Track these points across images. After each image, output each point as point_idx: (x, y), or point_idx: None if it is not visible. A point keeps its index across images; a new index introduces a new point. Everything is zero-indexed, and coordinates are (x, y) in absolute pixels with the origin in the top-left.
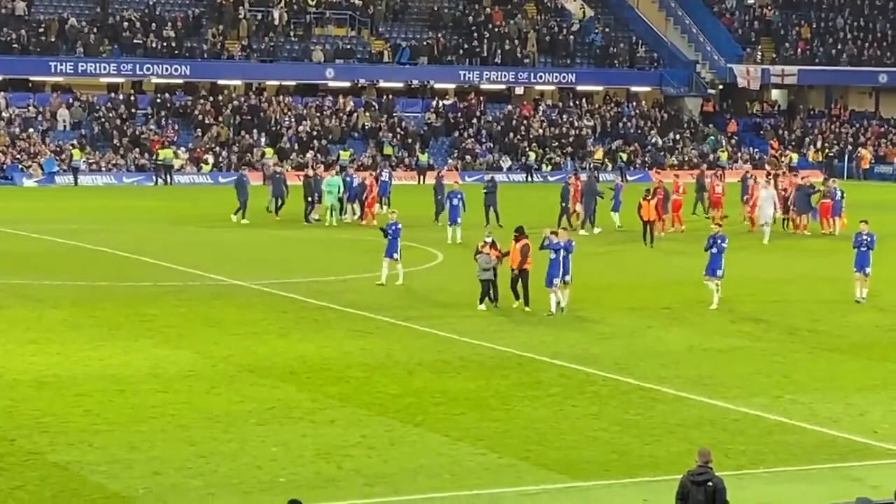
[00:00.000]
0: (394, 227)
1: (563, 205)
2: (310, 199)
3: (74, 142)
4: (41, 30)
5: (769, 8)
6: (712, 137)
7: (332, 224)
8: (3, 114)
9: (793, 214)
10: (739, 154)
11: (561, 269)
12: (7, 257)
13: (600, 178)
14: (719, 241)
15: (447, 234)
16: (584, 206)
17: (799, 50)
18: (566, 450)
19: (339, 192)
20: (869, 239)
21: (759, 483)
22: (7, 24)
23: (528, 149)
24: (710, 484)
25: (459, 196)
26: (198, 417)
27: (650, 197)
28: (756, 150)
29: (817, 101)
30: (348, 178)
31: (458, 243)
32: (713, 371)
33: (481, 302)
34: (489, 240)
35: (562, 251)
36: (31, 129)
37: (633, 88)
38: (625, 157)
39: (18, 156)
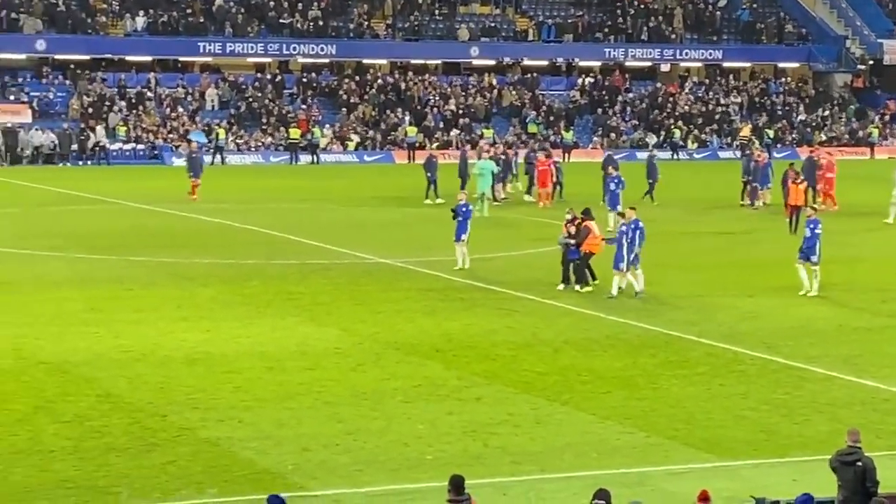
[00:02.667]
0: (464, 209)
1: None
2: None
3: (219, 121)
4: (189, 11)
5: None
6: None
7: (485, 215)
8: (153, 94)
9: None
10: (889, 131)
11: (625, 252)
12: (158, 236)
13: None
14: (812, 226)
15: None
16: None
17: None
18: (714, 429)
19: (492, 176)
20: None
21: None
22: (157, 6)
23: (673, 126)
24: (859, 464)
25: (617, 180)
26: (345, 394)
27: (799, 180)
28: None
29: None
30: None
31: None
32: (863, 350)
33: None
34: (569, 216)
35: (625, 235)
36: (180, 109)
37: (781, 64)
38: (772, 133)
39: (168, 135)
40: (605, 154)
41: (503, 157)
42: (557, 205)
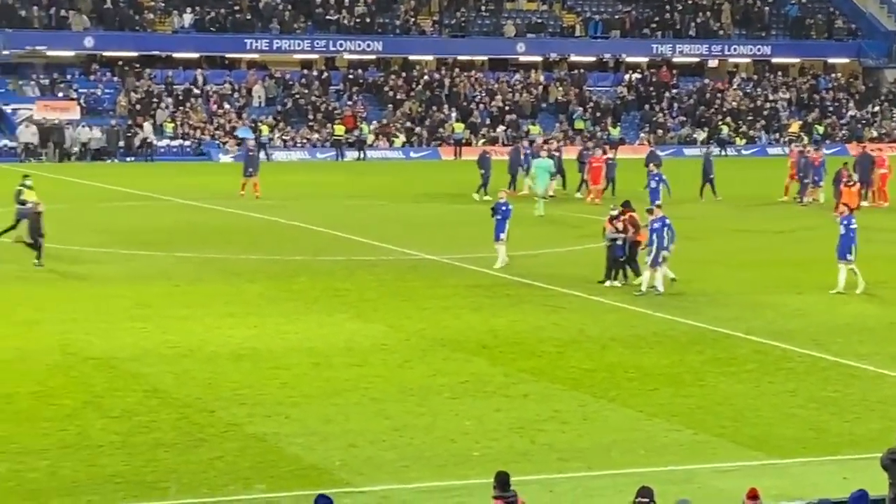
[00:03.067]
0: (504, 208)
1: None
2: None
3: (263, 118)
4: (237, 8)
5: None
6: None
7: (541, 213)
8: (200, 91)
9: None
10: None
11: (654, 249)
12: (205, 232)
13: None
14: (845, 223)
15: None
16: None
17: None
18: (762, 426)
19: (549, 175)
20: None
21: None
22: (204, 3)
23: (720, 122)
24: None
25: (658, 178)
26: (391, 391)
27: (852, 182)
28: None
29: None
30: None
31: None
32: None
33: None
34: (614, 212)
35: (656, 233)
36: (226, 106)
37: (830, 60)
38: (821, 129)
39: (215, 132)
40: (648, 150)
41: (556, 153)
42: (606, 201)
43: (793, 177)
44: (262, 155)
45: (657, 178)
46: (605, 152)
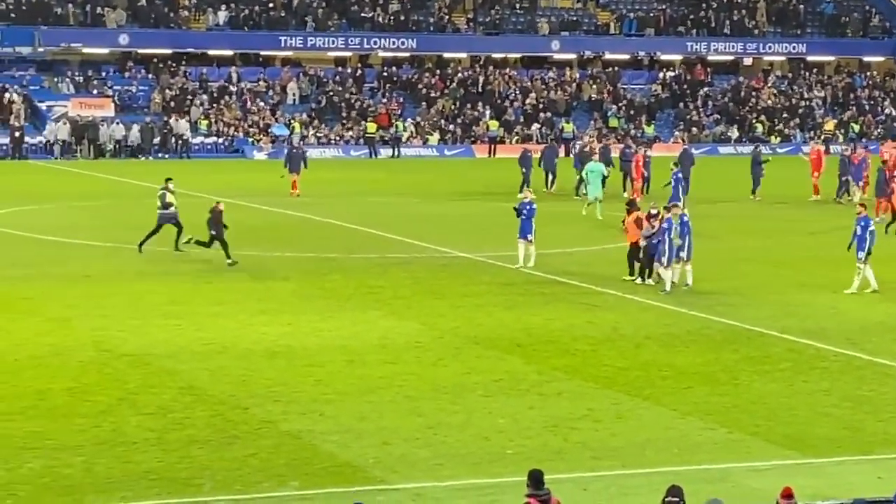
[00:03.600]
0: (528, 207)
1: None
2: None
3: (297, 115)
4: (271, 5)
5: None
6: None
7: (598, 218)
8: (235, 88)
9: None
10: None
11: (667, 248)
12: (238, 229)
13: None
14: (862, 224)
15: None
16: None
17: None
18: (797, 425)
19: (602, 179)
20: None
21: None
22: (238, 1)
23: (755, 120)
24: None
25: (676, 177)
26: (425, 388)
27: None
28: None
29: None
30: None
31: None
32: None
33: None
34: (653, 211)
35: (666, 232)
36: (261, 103)
37: (866, 58)
38: (857, 128)
39: (249, 129)
40: (681, 149)
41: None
42: (644, 199)
43: (816, 174)
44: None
45: (676, 177)
46: (646, 151)
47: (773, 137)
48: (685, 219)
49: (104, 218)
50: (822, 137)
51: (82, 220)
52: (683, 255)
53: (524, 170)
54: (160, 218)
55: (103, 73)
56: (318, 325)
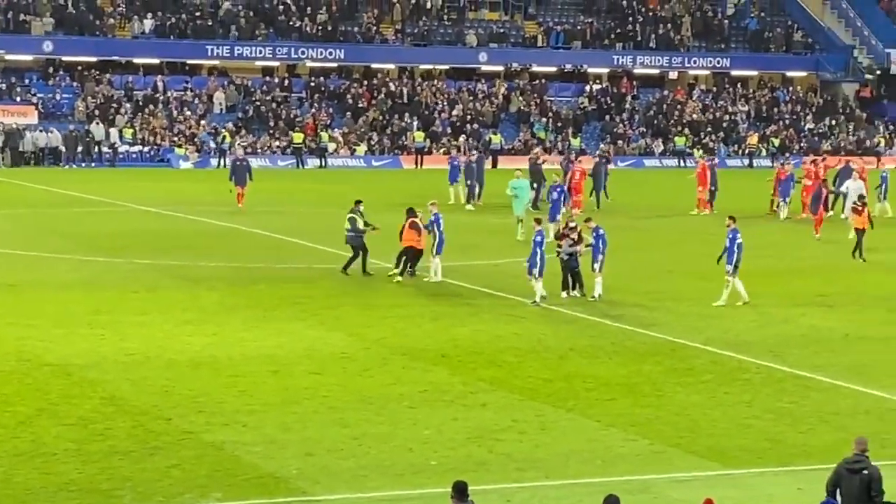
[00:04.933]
0: (438, 219)
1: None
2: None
3: (226, 125)
4: (198, 14)
5: None
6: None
7: (518, 238)
8: (161, 97)
9: None
10: None
11: (538, 260)
12: (164, 238)
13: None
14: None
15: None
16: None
17: None
18: (718, 437)
19: (528, 197)
20: None
21: None
22: (165, 9)
23: (679, 134)
24: (865, 472)
25: (560, 189)
26: (350, 399)
27: (860, 205)
28: None
29: None
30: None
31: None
32: (869, 360)
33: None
34: (572, 224)
35: (539, 245)
36: (187, 112)
37: (789, 73)
38: (777, 142)
39: (175, 138)
40: (594, 161)
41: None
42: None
43: (702, 188)
44: (222, 161)
45: (559, 190)
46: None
47: (696, 151)
48: (601, 231)
49: (25, 226)
50: (747, 151)
51: (3, 228)
52: (596, 265)
53: (469, 182)
54: (349, 240)
55: (27, 81)
56: (244, 336)
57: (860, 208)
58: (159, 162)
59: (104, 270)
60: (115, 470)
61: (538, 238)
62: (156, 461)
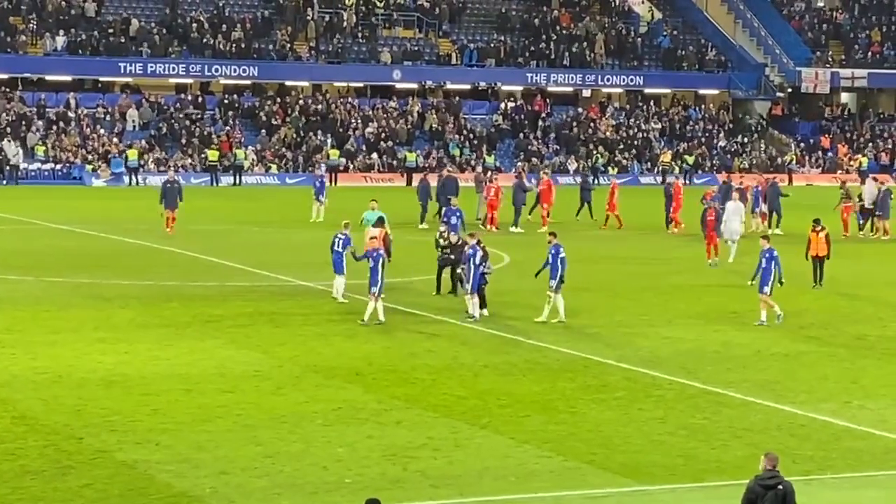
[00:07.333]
0: (343, 238)
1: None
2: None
3: (134, 142)
4: (110, 31)
5: (839, 11)
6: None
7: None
8: (73, 114)
9: (877, 221)
10: (807, 158)
11: (470, 276)
12: (76, 256)
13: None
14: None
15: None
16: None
17: (869, 53)
18: (632, 453)
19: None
20: None
21: (827, 489)
22: (77, 25)
23: (594, 151)
24: (780, 487)
25: (459, 214)
26: (264, 418)
27: (819, 229)
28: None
29: (887, 104)
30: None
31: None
32: (780, 376)
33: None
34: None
35: (471, 258)
36: (100, 130)
37: (701, 91)
38: (691, 160)
39: (88, 156)
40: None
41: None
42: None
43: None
44: (132, 179)
45: (457, 213)
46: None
47: (611, 168)
48: (560, 251)
49: None
50: (660, 169)
51: None
52: (553, 283)
53: (422, 202)
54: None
55: None
56: (156, 354)
57: (819, 230)
58: (72, 180)
59: (14, 288)
60: (26, 490)
61: (470, 252)
62: (68, 481)
